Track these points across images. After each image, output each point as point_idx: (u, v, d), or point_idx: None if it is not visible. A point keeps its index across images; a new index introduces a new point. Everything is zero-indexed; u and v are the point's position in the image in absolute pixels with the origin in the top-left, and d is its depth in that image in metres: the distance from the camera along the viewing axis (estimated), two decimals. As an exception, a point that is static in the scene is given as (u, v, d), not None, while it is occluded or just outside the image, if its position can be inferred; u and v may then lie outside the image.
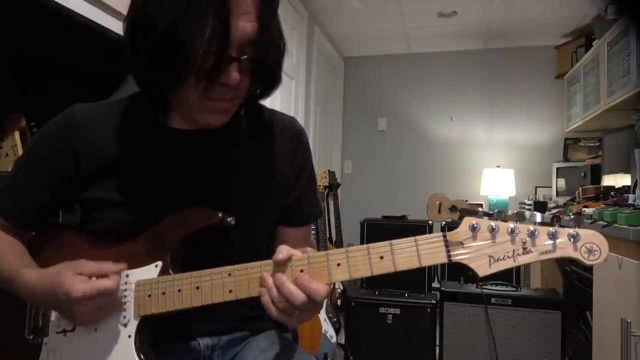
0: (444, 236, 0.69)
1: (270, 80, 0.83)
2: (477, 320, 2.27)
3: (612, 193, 2.48)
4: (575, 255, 0.66)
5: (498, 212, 0.69)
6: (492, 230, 0.68)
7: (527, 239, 0.67)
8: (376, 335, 2.43)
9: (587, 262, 0.65)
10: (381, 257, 0.70)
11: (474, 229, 0.68)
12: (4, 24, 1.17)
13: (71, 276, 0.72)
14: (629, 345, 1.54)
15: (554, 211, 2.98)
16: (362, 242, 3.07)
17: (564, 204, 2.94)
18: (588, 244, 0.65)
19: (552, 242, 0.66)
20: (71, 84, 1.40)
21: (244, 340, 0.90)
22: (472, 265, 0.67)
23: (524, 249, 0.67)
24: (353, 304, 2.48)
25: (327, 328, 2.32)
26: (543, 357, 2.17)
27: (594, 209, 2.15)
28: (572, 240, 0.66)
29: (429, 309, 2.38)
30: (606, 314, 1.83)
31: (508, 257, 0.67)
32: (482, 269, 0.67)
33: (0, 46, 1.23)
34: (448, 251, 0.68)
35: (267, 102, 0.86)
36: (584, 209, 2.33)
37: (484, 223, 0.68)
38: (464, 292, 2.32)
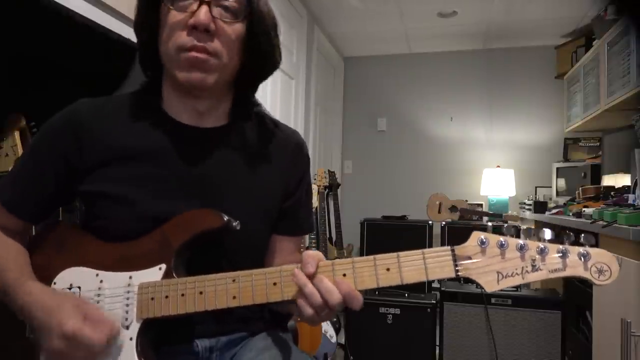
0: (452, 250, 0.68)
1: (263, 49, 0.84)
2: (477, 320, 2.27)
3: (612, 193, 2.47)
4: (586, 275, 0.64)
5: (507, 228, 0.67)
6: (501, 246, 0.67)
7: (537, 256, 0.66)
8: (376, 335, 2.43)
9: (597, 282, 0.64)
10: (387, 269, 0.69)
11: (482, 243, 0.67)
12: (4, 24, 1.17)
13: (72, 308, 0.72)
14: (629, 345, 1.54)
15: (554, 211, 2.98)
16: (362, 242, 3.07)
17: (564, 204, 2.94)
18: (598, 264, 0.64)
19: (562, 260, 0.65)
20: (71, 84, 1.40)
21: (242, 341, 0.90)
22: (480, 280, 0.67)
23: (533, 266, 0.65)
24: (353, 304, 2.47)
25: (327, 328, 2.32)
26: (543, 357, 2.17)
27: (594, 209, 2.15)
28: (582, 259, 0.65)
29: (429, 309, 2.38)
30: (606, 314, 1.83)
31: (517, 274, 0.66)
32: (490, 285, 0.66)
33: (0, 46, 1.22)
34: (456, 265, 0.67)
35: (268, 102, 0.86)
36: (584, 209, 2.33)
37: (493, 238, 0.67)
38: (464, 292, 2.32)
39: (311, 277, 0.69)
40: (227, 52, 0.80)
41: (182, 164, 0.84)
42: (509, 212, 3.55)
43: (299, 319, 0.73)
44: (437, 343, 2.35)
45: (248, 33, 0.82)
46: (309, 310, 0.68)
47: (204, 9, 0.76)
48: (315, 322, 0.71)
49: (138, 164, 0.83)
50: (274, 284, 0.72)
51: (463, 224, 3.21)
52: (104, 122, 0.84)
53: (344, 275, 0.69)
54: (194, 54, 0.77)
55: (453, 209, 3.41)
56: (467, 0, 3.20)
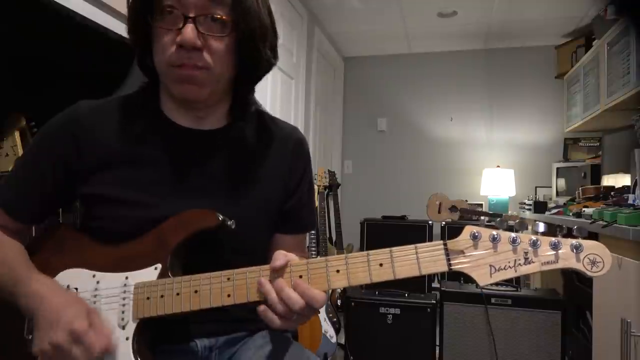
0: (445, 244, 0.68)
1: (251, 56, 0.82)
2: (477, 320, 2.27)
3: (612, 193, 2.47)
4: (578, 266, 0.64)
5: (500, 221, 0.68)
6: (494, 240, 0.67)
7: (529, 249, 0.66)
8: (376, 335, 2.43)
9: (590, 274, 0.64)
10: (380, 265, 0.69)
11: (475, 237, 0.68)
12: (5, 24, 1.17)
13: (83, 311, 0.73)
14: (629, 345, 1.54)
15: (553, 211, 2.98)
16: (362, 243, 3.07)
17: (564, 204, 2.94)
18: (591, 255, 0.64)
19: (555, 252, 0.65)
20: (71, 84, 1.40)
21: (241, 341, 0.90)
22: (473, 274, 0.67)
23: (526, 259, 0.66)
24: (353, 304, 2.48)
25: (327, 328, 2.32)
26: (543, 357, 2.17)
27: (594, 209, 2.15)
28: (574, 251, 0.65)
29: (429, 309, 2.38)
30: (606, 314, 1.83)
31: (509, 267, 0.66)
32: (483, 279, 0.66)
33: (1, 46, 1.22)
34: (448, 259, 0.68)
35: (268, 102, 0.86)
36: (584, 209, 2.33)
37: (486, 232, 0.68)
38: (464, 292, 2.32)
39: (277, 271, 0.71)
40: (218, 64, 0.79)
41: (181, 167, 0.84)
42: (509, 212, 3.55)
43: None
44: (437, 343, 2.35)
45: (239, 42, 0.80)
46: (272, 317, 0.70)
47: (190, 26, 0.75)
48: (287, 328, 0.72)
49: (137, 167, 0.83)
50: (269, 281, 0.72)
51: (463, 224, 3.21)
52: (103, 125, 0.84)
53: (338, 271, 0.70)
54: (183, 70, 0.77)
55: (453, 209, 3.40)
56: (467, 0, 3.20)
